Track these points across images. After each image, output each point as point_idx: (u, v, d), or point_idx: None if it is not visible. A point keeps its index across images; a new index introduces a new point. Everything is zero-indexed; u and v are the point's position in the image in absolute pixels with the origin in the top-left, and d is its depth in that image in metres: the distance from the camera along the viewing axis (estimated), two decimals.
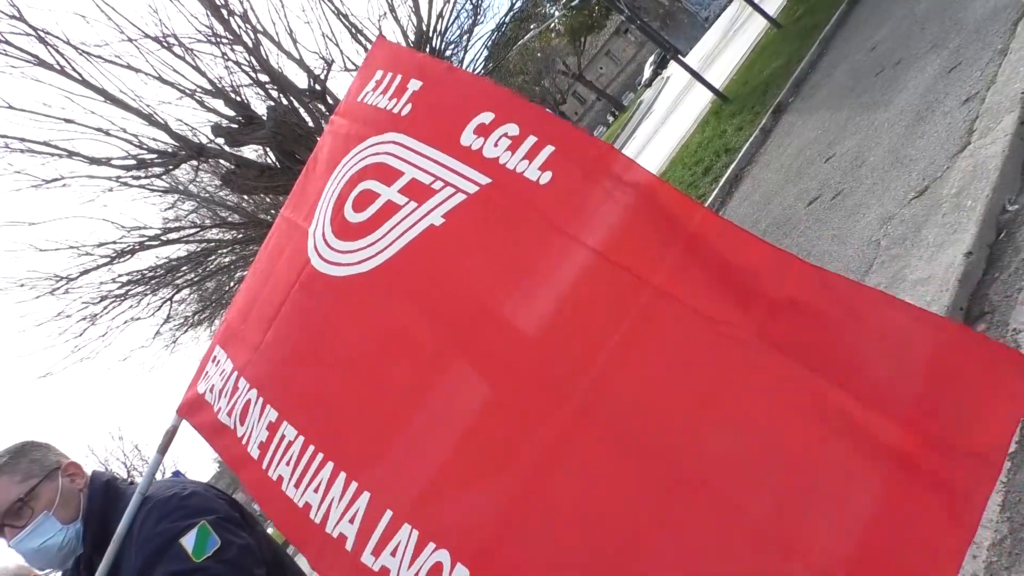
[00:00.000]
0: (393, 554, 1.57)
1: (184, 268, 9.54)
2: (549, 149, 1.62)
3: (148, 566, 1.92)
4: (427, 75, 1.92)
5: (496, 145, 1.69)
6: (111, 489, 2.16)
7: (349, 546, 1.63)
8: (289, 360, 1.89)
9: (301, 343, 1.87)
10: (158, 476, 2.13)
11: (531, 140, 1.66)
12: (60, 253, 8.22)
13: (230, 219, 9.55)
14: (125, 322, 8.79)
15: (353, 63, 8.06)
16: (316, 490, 1.70)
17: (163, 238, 8.55)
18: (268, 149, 7.54)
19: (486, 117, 1.72)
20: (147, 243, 8.34)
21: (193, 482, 2.14)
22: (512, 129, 1.69)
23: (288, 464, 1.77)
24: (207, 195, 9.82)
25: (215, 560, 1.88)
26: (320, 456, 1.71)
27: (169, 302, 9.64)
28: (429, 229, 1.70)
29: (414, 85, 1.90)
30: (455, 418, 1.57)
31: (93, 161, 7.23)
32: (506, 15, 9.06)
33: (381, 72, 2.01)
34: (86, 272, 8.09)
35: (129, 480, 2.24)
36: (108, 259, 8.05)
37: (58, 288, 7.91)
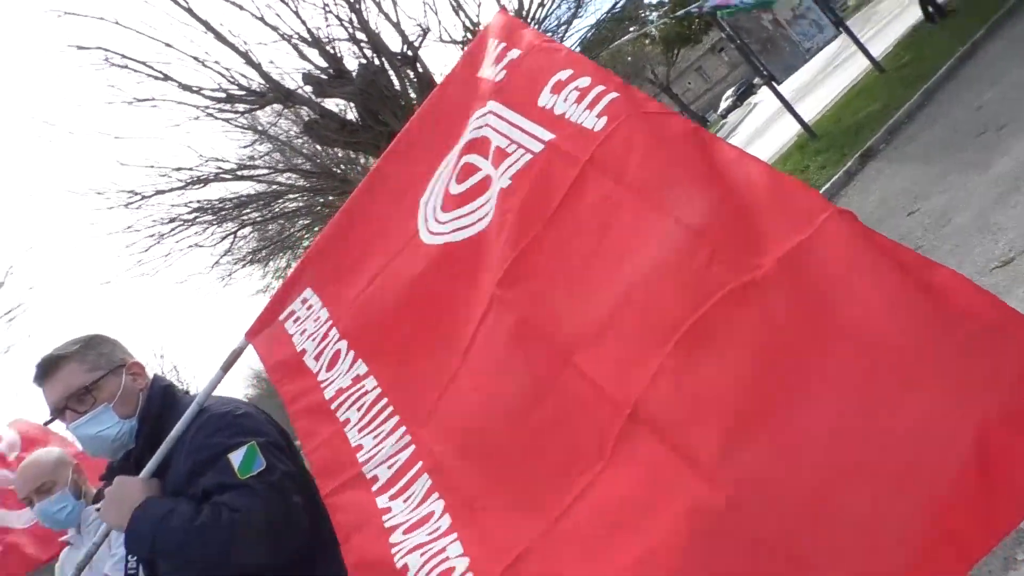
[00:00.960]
0: (405, 500, 1.60)
1: (251, 206, 9.74)
2: (611, 96, 1.57)
3: (195, 472, 1.99)
4: (527, 44, 1.92)
5: (565, 100, 1.67)
6: (169, 394, 2.24)
7: (375, 487, 1.67)
8: (384, 321, 1.92)
9: (397, 306, 1.90)
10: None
11: (597, 89, 1.61)
12: (139, 170, 8.47)
13: (303, 167, 9.72)
14: (188, 247, 9.04)
15: (449, 35, 8.13)
16: (374, 437, 1.74)
17: (237, 173, 8.74)
18: (353, 105, 7.65)
19: (563, 74, 1.70)
20: (221, 175, 8.54)
21: (247, 404, 2.21)
22: (583, 81, 1.65)
23: (359, 410, 1.81)
24: (286, 140, 9.99)
25: (258, 480, 1.94)
26: (390, 409, 1.75)
27: (233, 236, 9.86)
28: (499, 192, 1.71)
29: (513, 54, 1.91)
30: (520, 392, 1.58)
31: (185, 88, 7.43)
32: (608, 12, 9.01)
33: (495, 43, 2.03)
34: (160, 192, 8.32)
35: (185, 390, 2.32)
36: (183, 184, 8.27)
37: (132, 203, 8.17)
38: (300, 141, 10.19)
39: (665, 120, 1.50)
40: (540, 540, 1.35)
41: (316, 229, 11.82)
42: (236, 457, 1.98)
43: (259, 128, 9.64)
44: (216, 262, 10.20)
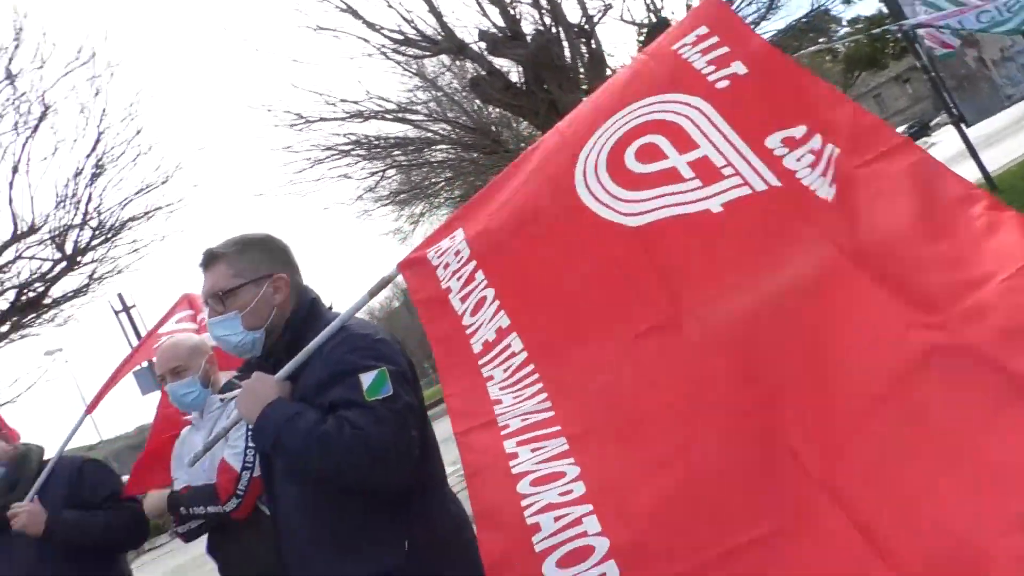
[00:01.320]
0: (533, 451, 1.61)
1: (402, 149, 10.00)
2: (835, 153, 1.57)
3: (326, 383, 2.07)
4: (755, 62, 1.84)
5: (799, 160, 1.64)
6: (315, 307, 2.34)
7: (504, 432, 1.68)
8: (530, 275, 1.92)
9: (546, 263, 1.90)
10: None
11: (828, 150, 1.60)
12: (308, 95, 8.85)
13: (459, 120, 9.89)
14: (338, 176, 9.42)
15: (631, 15, 8.02)
16: (515, 396, 1.75)
17: (398, 115, 9.00)
18: (521, 69, 7.70)
19: (798, 131, 1.67)
20: (382, 114, 8.81)
21: (384, 331, 2.28)
22: (815, 142, 1.63)
23: (505, 371, 1.82)
24: (449, 91, 10.19)
25: (382, 405, 2.01)
26: (536, 375, 1.76)
27: (381, 175, 10.19)
28: (704, 213, 1.68)
29: (738, 68, 1.83)
30: (666, 385, 1.57)
31: (368, 24, 7.67)
32: (802, 18, 8.63)
33: (707, 30, 1.95)
34: (323, 120, 8.68)
35: (329, 306, 2.41)
36: (346, 116, 8.59)
37: (296, 124, 8.57)
38: (461, 95, 10.36)
39: (885, 168, 1.49)
40: (697, 570, 1.34)
41: (457, 183, 12.07)
42: (367, 378, 2.05)
43: (425, 75, 9.87)
44: (359, 196, 10.59)
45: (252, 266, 2.27)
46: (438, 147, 9.99)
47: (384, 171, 10.25)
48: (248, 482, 2.90)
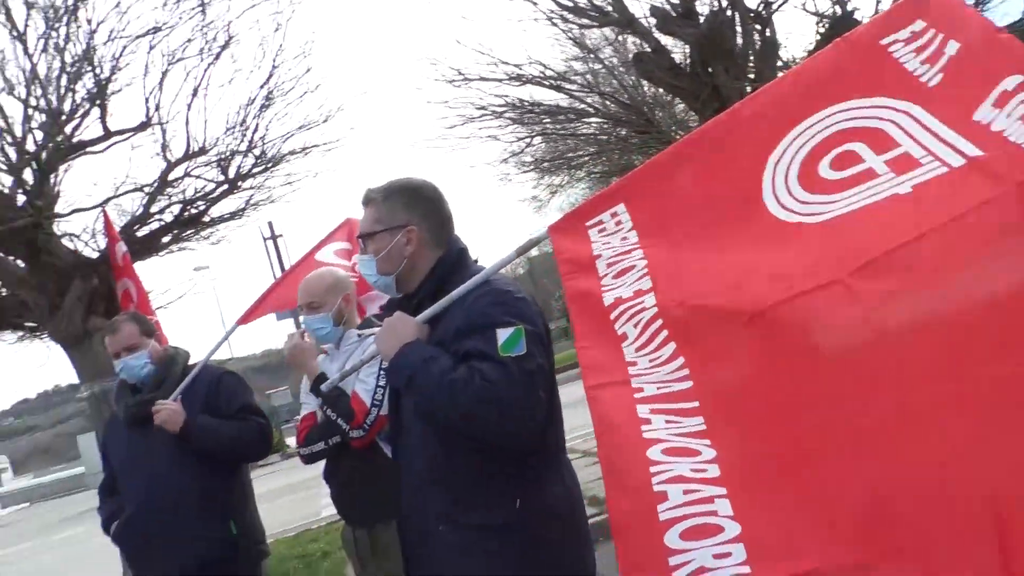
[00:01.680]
0: (668, 421, 1.57)
1: (552, 118, 9.99)
2: None
3: (463, 332, 2.11)
4: (967, 35, 1.70)
5: (1008, 116, 1.49)
6: (462, 258, 2.39)
7: (639, 396, 1.65)
8: (689, 258, 1.88)
9: (710, 250, 1.85)
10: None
11: None
12: (471, 53, 8.94)
13: (615, 95, 9.75)
14: (487, 137, 9.53)
15: (815, 5, 7.60)
16: (651, 360, 1.72)
17: (556, 83, 8.97)
18: (688, 49, 7.48)
19: (1010, 82, 1.51)
20: (539, 80, 8.80)
21: (525, 292, 2.29)
22: None
23: (636, 327, 1.80)
24: (609, 65, 10.04)
25: (515, 362, 2.02)
26: (672, 342, 1.72)
27: (528, 140, 10.23)
28: (892, 196, 1.58)
29: (951, 48, 1.70)
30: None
31: None
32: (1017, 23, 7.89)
33: (922, 25, 1.80)
34: (482, 79, 8.78)
35: (475, 260, 2.45)
36: (504, 78, 8.65)
37: (455, 80, 8.71)
38: (619, 70, 10.19)
39: None
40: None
41: (601, 159, 11.95)
42: (503, 334, 2.07)
43: (587, 46, 9.76)
44: (504, 160, 10.69)
45: (391, 214, 2.35)
46: (590, 120, 9.88)
47: (532, 138, 10.28)
48: (375, 419, 3.02)
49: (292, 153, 8.06)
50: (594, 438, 1.59)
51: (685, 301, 1.77)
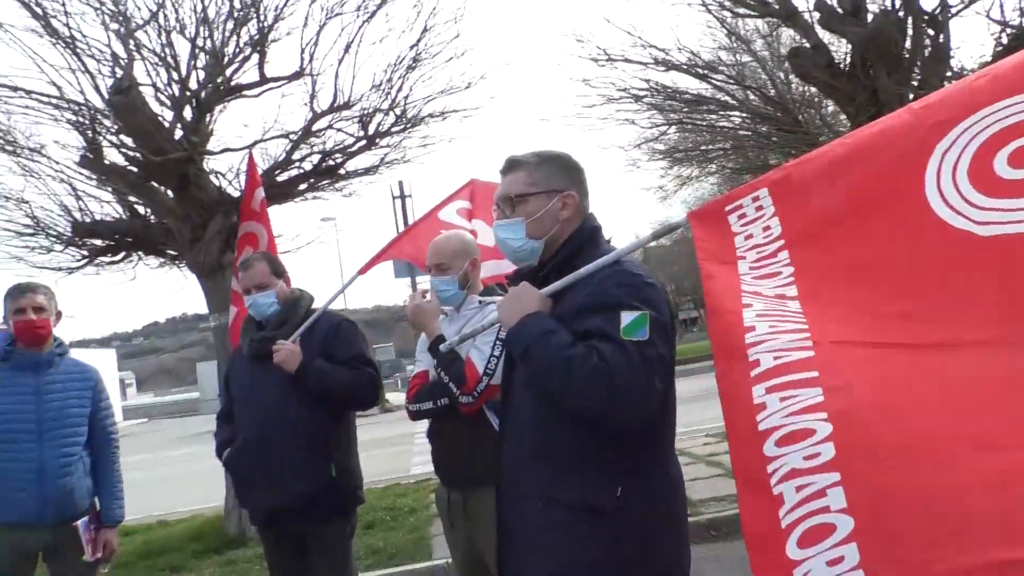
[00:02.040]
0: (783, 399, 1.47)
1: (691, 107, 9.72)
2: None
3: (586, 310, 2.07)
4: None
5: None
6: (595, 235, 2.34)
7: (754, 372, 1.54)
8: (837, 253, 1.76)
9: (860, 248, 1.72)
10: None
11: None
12: (618, 33, 8.78)
13: (763, 89, 9.37)
14: (624, 120, 9.40)
15: (1001, 14, 7.00)
16: (770, 325, 1.61)
17: (703, 72, 8.71)
18: (851, 48, 7.06)
19: None
20: (688, 67, 8.57)
21: (656, 278, 2.21)
22: None
23: (763, 302, 1.71)
24: (760, 59, 9.65)
25: (635, 347, 1.97)
26: (800, 311, 1.62)
27: (665, 127, 10.01)
28: None
29: None
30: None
31: None
32: None
33: None
34: (627, 61, 8.63)
35: (608, 239, 2.39)
36: (650, 61, 8.47)
37: (599, 59, 8.60)
38: (770, 64, 9.78)
39: None
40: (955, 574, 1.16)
41: (736, 155, 11.55)
42: (627, 316, 2.01)
43: (740, 36, 9.41)
44: (638, 145, 10.50)
45: (547, 178, 2.32)
46: (732, 113, 9.54)
47: (669, 126, 10.05)
48: (485, 387, 3.03)
49: (431, 116, 8.22)
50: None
51: (827, 281, 1.65)
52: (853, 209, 1.80)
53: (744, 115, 9.56)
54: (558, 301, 2.21)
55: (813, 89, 8.78)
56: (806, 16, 7.10)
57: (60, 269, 8.20)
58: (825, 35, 7.66)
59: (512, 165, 2.36)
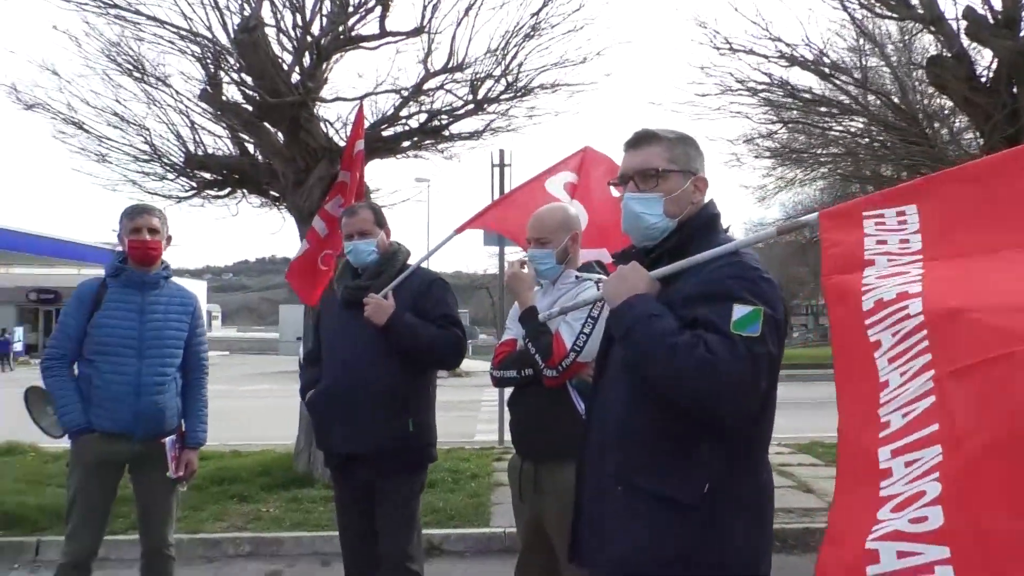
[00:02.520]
0: (907, 464, 1.36)
1: (810, 107, 9.33)
2: None
3: (695, 299, 2.00)
4: None
5: None
6: (713, 222, 2.26)
7: (884, 435, 1.45)
8: (979, 273, 1.63)
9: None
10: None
11: None
12: (744, 22, 8.46)
13: (890, 93, 8.90)
14: (736, 113, 9.12)
15: None
16: (902, 374, 1.51)
17: (830, 72, 8.34)
18: (996, 60, 6.61)
19: None
20: (813, 64, 8.21)
21: (772, 275, 2.11)
22: None
23: (893, 336, 1.59)
24: (895, 64, 9.16)
25: (744, 342, 1.88)
26: (925, 344, 1.50)
27: (780, 123, 9.66)
28: None
29: None
30: None
31: None
32: None
33: None
34: (749, 52, 8.31)
35: (726, 228, 2.30)
36: (773, 55, 8.15)
37: (721, 48, 8.33)
38: (902, 70, 9.27)
39: None
40: None
41: (846, 162, 11.07)
42: (739, 310, 1.93)
43: (875, 39, 8.94)
44: (748, 140, 10.17)
45: (685, 158, 2.24)
46: (854, 117, 9.10)
47: (783, 124, 9.68)
48: (571, 363, 2.98)
49: (542, 87, 8.13)
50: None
51: (958, 312, 1.52)
52: (1007, 243, 1.66)
53: (865, 121, 9.11)
54: (666, 286, 2.14)
55: (945, 101, 8.29)
56: (952, 24, 6.66)
57: (170, 197, 8.56)
58: (967, 45, 7.19)
59: (648, 138, 2.26)
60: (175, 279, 4.00)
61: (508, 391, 3.38)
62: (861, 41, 9.34)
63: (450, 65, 7.79)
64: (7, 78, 12.85)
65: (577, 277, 3.24)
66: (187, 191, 8.54)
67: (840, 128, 9.97)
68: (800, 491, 7.61)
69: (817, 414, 11.40)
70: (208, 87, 7.44)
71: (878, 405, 1.52)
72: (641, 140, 2.27)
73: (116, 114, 8.07)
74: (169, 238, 3.89)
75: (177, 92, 7.95)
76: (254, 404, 17.38)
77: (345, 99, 7.75)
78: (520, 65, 7.93)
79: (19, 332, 26.12)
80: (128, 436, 3.63)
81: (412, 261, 3.84)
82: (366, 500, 3.58)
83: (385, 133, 8.09)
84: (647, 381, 2.03)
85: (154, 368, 3.68)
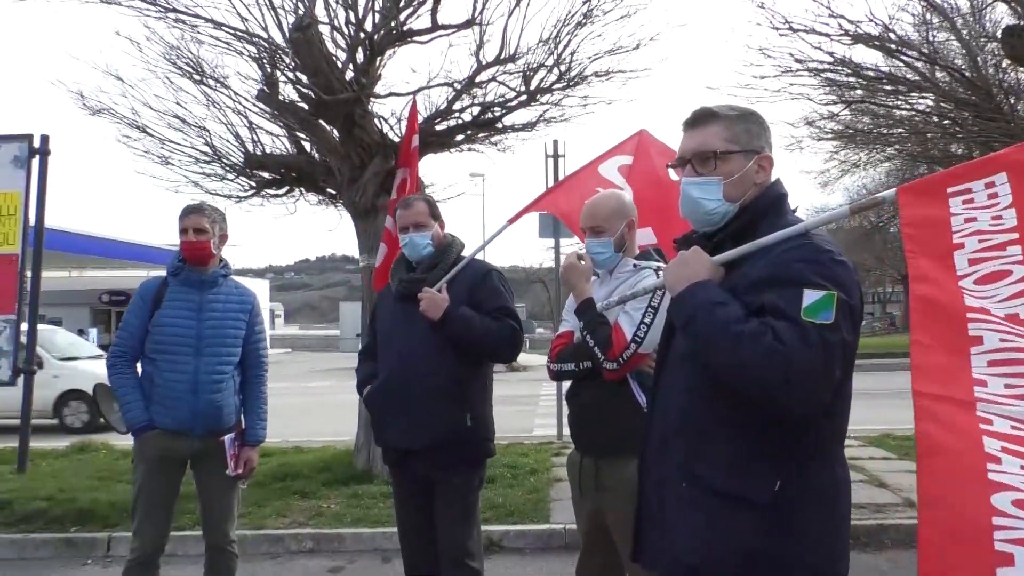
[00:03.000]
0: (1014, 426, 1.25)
1: (876, 85, 8.98)
2: None
3: (763, 283, 1.87)
4: None
5: None
6: (780, 203, 2.12)
7: (986, 429, 1.33)
8: None
9: None
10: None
11: None
12: (805, 1, 8.17)
13: (961, 69, 8.47)
14: (796, 95, 8.81)
15: None
16: (1008, 385, 1.38)
17: (894, 47, 7.99)
18: None
19: None
20: (879, 40, 7.87)
21: (847, 257, 1.98)
22: None
23: (1000, 340, 1.46)
24: (967, 37, 8.73)
25: (816, 329, 1.75)
26: None
27: (843, 104, 9.29)
28: None
29: None
30: None
31: None
32: None
33: None
34: (809, 31, 8.02)
35: (794, 208, 2.16)
36: (839, 32, 7.84)
37: (780, 29, 8.04)
38: (974, 43, 8.83)
39: None
40: None
41: (912, 142, 10.63)
42: (810, 295, 1.79)
43: (945, 12, 8.53)
44: (810, 122, 9.83)
45: (747, 136, 2.09)
46: (921, 95, 8.71)
47: (847, 104, 9.32)
48: (632, 355, 2.88)
49: (596, 75, 7.99)
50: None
51: None
52: None
53: (934, 98, 8.71)
54: (730, 271, 2.02)
55: (1023, 75, 7.86)
56: None
57: (231, 197, 8.71)
58: None
59: (706, 117, 2.12)
60: (237, 278, 4.03)
61: (566, 385, 3.30)
62: (928, 15, 8.93)
63: (502, 56, 7.71)
64: (74, 85, 13.25)
65: (635, 265, 3.13)
66: (246, 191, 8.68)
67: (907, 107, 9.57)
68: (872, 485, 7.34)
69: (888, 405, 11.06)
70: (265, 87, 7.52)
71: (975, 400, 1.39)
72: (699, 119, 2.14)
73: (177, 116, 8.25)
74: (224, 236, 3.90)
75: (235, 93, 8.09)
76: (316, 400, 17.67)
77: (398, 94, 7.78)
78: (573, 54, 7.82)
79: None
80: (187, 433, 3.67)
81: (466, 253, 3.77)
82: (423, 495, 3.54)
83: (438, 127, 8.07)
84: (711, 371, 1.91)
85: (211, 366, 3.71)
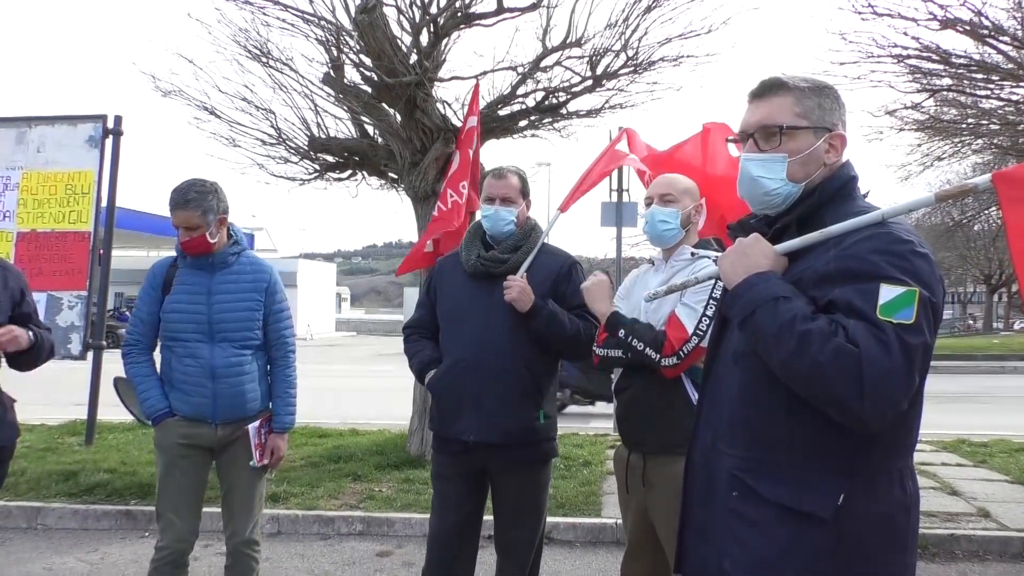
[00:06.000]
0: None
1: (964, 71, 8.47)
2: None
3: (832, 277, 1.70)
4: None
5: None
6: (850, 187, 1.93)
7: None
8: None
9: None
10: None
11: None
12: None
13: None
14: (878, 82, 8.37)
15: None
16: None
17: (987, 33, 7.50)
18: None
19: None
20: (971, 26, 7.40)
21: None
22: None
23: None
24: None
25: (894, 329, 1.57)
26: None
27: (929, 92, 8.81)
28: None
29: None
30: None
31: None
32: None
33: None
34: (898, 17, 7.59)
35: (865, 193, 1.97)
36: (927, 17, 7.40)
37: (863, 13, 7.64)
38: None
39: None
40: None
41: (1003, 135, 10.03)
42: (888, 291, 1.60)
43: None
44: (892, 111, 9.34)
45: (819, 112, 1.89)
46: (1018, 84, 8.17)
47: (932, 93, 8.82)
48: (693, 348, 2.72)
49: (664, 60, 7.73)
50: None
51: None
52: None
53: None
54: (794, 262, 1.85)
55: None
56: None
57: (294, 179, 8.77)
58: None
59: (775, 87, 1.93)
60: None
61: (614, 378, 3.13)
62: None
63: (568, 41, 7.54)
64: (147, 67, 13.63)
65: (692, 254, 2.96)
66: (310, 174, 8.73)
67: (999, 97, 9.01)
68: (944, 493, 6.97)
69: (963, 410, 10.50)
70: (331, 70, 7.52)
71: None
72: (767, 90, 1.95)
73: (245, 99, 8.33)
74: (223, 217, 3.53)
75: (302, 76, 8.12)
76: (377, 383, 17.86)
77: (462, 78, 7.67)
78: (641, 38, 7.58)
79: None
80: (207, 421, 3.48)
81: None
82: (480, 492, 3.37)
83: (501, 112, 7.96)
84: (774, 369, 1.74)
85: (227, 350, 3.48)
